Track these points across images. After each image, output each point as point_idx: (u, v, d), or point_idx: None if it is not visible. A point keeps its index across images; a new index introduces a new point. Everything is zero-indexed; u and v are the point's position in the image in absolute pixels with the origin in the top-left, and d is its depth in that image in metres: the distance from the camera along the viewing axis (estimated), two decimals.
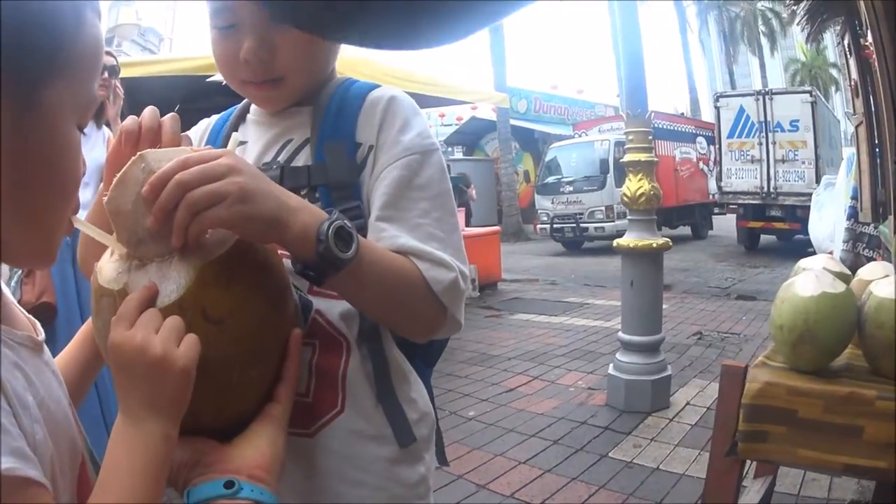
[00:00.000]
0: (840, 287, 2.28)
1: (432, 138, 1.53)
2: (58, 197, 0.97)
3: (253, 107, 1.63)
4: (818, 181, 16.19)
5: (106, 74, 4.51)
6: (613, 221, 21.14)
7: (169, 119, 1.28)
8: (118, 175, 1.10)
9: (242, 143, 1.55)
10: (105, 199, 1.11)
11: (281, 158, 1.51)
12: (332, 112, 1.49)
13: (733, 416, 2.54)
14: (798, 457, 2.29)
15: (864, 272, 2.71)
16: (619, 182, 20.99)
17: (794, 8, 8.05)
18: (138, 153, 1.12)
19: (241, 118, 1.65)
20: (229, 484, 1.06)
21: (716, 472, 2.79)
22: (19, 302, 4.60)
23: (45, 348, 1.09)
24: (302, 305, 1.38)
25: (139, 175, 1.09)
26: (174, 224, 1.07)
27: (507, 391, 6.82)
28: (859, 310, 2.30)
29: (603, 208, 21.67)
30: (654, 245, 6.06)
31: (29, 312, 1.17)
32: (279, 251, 1.30)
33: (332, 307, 1.42)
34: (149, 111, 1.28)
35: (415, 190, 1.43)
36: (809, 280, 2.32)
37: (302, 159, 1.48)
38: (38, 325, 1.15)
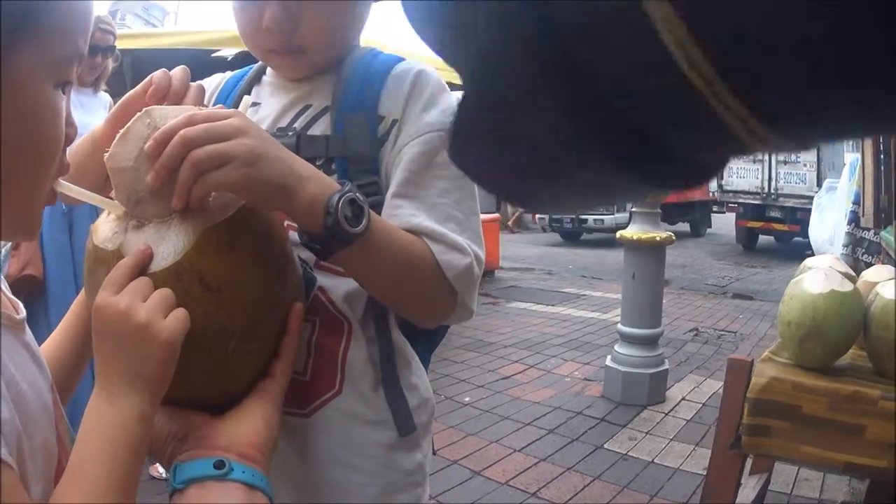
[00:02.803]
0: (848, 286, 2.29)
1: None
2: (35, 163, 0.90)
3: (270, 69, 1.55)
4: (819, 184, 16.23)
5: (99, 57, 4.45)
6: (613, 214, 21.01)
7: (179, 71, 1.25)
8: (121, 130, 1.07)
9: (255, 104, 1.48)
10: (106, 155, 1.07)
11: (298, 125, 1.43)
12: (356, 82, 1.41)
13: (737, 410, 2.56)
14: (800, 453, 2.31)
15: (869, 274, 2.72)
16: None
17: None
18: (144, 108, 1.08)
19: (257, 79, 1.57)
20: (219, 464, 1.01)
21: (718, 466, 2.81)
22: (5, 276, 4.54)
23: (27, 329, 1.02)
24: (306, 281, 1.33)
25: (143, 131, 1.05)
26: (177, 183, 1.03)
27: (503, 378, 6.80)
28: (865, 310, 2.30)
29: None
30: (658, 238, 6.02)
31: (12, 286, 1.13)
32: (287, 223, 1.27)
33: (337, 285, 1.36)
34: (180, 71, 1.25)
35: (436, 168, 1.36)
36: (818, 278, 2.33)
37: (320, 128, 1.41)
38: (20, 304, 1.05)
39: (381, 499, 1.41)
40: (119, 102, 1.31)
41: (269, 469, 1.08)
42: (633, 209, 6.26)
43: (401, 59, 1.46)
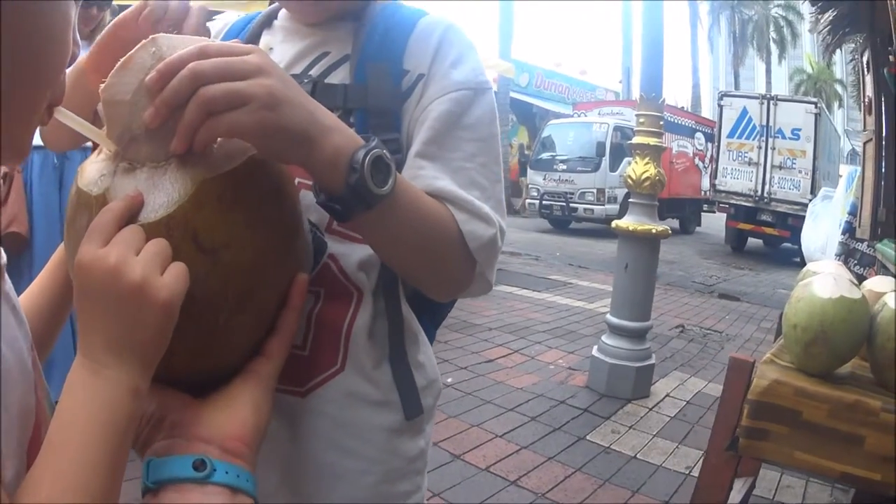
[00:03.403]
0: (857, 293, 2.23)
1: (486, 77, 1.34)
2: (28, 81, 0.78)
3: (283, 12, 1.42)
4: (813, 192, 16.43)
5: (95, 9, 4.34)
6: (604, 205, 21.15)
7: (197, 6, 1.15)
8: (122, 59, 0.94)
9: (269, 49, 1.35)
10: (102, 86, 0.94)
11: (314, 73, 1.30)
12: (379, 32, 1.30)
13: (736, 411, 2.51)
14: (796, 459, 2.27)
15: (872, 284, 2.66)
16: (614, 166, 21.23)
17: (819, 16, 8.05)
18: (151, 36, 0.95)
19: (268, 23, 1.44)
20: (199, 464, 0.88)
21: (711, 467, 2.75)
22: None
23: (6, 278, 0.90)
24: (314, 247, 1.21)
25: (147, 61, 0.92)
26: (180, 123, 0.90)
27: (486, 361, 6.74)
28: (871, 320, 2.25)
29: (594, 190, 21.54)
30: (654, 231, 5.95)
31: None
32: (298, 181, 1.18)
33: (350, 252, 1.25)
34: None
35: (462, 129, 1.26)
36: (828, 282, 2.27)
37: (338, 77, 1.28)
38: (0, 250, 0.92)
39: (380, 487, 1.31)
40: (107, 28, 1.20)
41: (255, 464, 0.97)
42: (632, 199, 6.18)
43: (426, 13, 1.35)
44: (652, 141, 6.03)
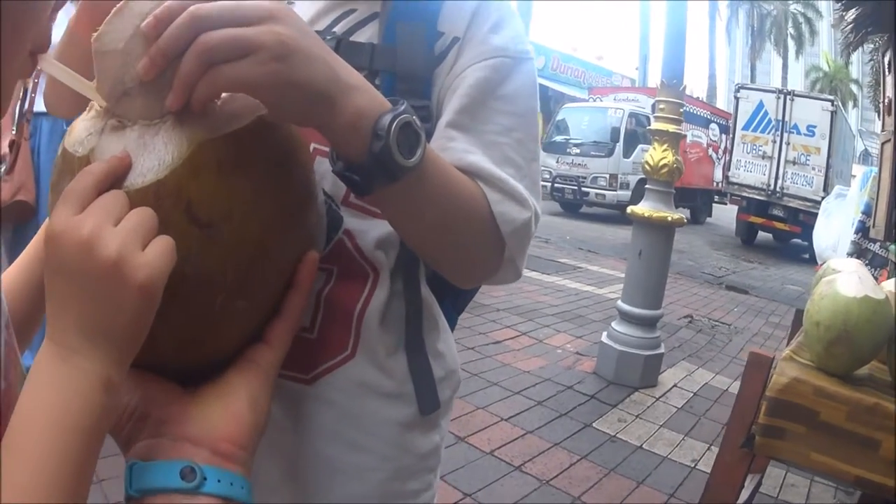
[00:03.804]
0: (881, 294, 2.18)
1: (527, 46, 1.21)
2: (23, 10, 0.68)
3: None
4: (826, 189, 16.38)
5: None
6: (616, 191, 21.09)
7: None
8: (117, 5, 0.82)
9: (289, 2, 1.19)
10: (94, 35, 0.82)
11: (338, 30, 1.17)
12: None
13: (752, 407, 2.47)
14: (812, 461, 2.22)
15: (889, 286, 2.61)
16: (628, 153, 21.18)
17: (843, 13, 8.00)
18: None
19: None
20: (188, 472, 0.77)
21: (724, 464, 2.71)
22: None
23: None
24: (328, 221, 1.10)
25: (145, 7, 0.80)
26: (177, 76, 0.79)
27: (493, 343, 6.67)
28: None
29: (607, 176, 21.44)
30: (669, 219, 5.89)
31: (3, 211, 0.96)
32: (314, 146, 1.08)
33: (368, 229, 1.14)
34: None
35: (499, 100, 1.13)
36: (852, 280, 2.22)
37: (365, 35, 1.15)
38: None
39: (388, 486, 1.22)
40: None
41: (251, 466, 0.86)
42: (648, 186, 6.11)
43: None
44: (671, 128, 5.96)
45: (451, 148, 1.10)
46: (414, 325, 1.21)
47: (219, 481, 0.79)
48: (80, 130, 0.86)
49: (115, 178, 0.79)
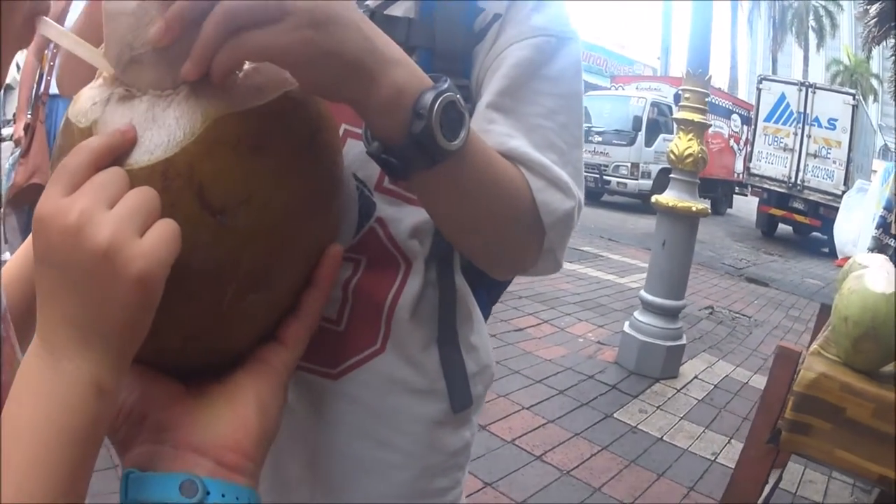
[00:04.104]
0: None
1: (571, 26, 1.12)
2: None
3: None
4: (846, 183, 16.31)
5: None
6: (637, 180, 21.02)
7: None
8: None
9: None
10: None
11: (371, 2, 1.08)
12: None
13: (779, 402, 2.44)
14: (836, 458, 2.22)
15: None
16: (649, 142, 21.14)
17: (867, 7, 7.95)
18: None
19: None
20: (189, 486, 0.70)
21: (749, 459, 2.67)
22: (11, 185, 4.46)
23: None
24: (360, 207, 1.04)
25: None
26: (196, 41, 0.70)
27: (515, 330, 6.62)
28: None
29: (629, 164, 21.35)
30: (694, 209, 5.83)
31: (18, 195, 0.90)
32: (344, 127, 1.01)
33: (402, 217, 1.07)
34: None
35: (542, 80, 1.05)
36: (881, 276, 2.21)
37: (401, 9, 1.07)
38: None
39: (415, 484, 1.15)
40: None
41: (258, 477, 0.78)
42: (673, 175, 6.05)
43: None
44: (696, 117, 5.90)
45: (491, 131, 1.02)
46: (447, 317, 1.15)
47: (223, 496, 0.72)
48: (85, 99, 0.78)
49: (116, 155, 0.71)
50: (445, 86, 0.81)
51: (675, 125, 6.20)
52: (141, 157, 0.71)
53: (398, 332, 1.10)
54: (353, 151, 1.00)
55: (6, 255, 4.66)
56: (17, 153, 4.63)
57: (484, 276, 1.17)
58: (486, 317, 1.29)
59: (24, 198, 4.32)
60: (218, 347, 0.81)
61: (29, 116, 4.70)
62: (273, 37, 0.70)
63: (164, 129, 0.72)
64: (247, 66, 0.78)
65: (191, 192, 0.70)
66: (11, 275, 0.97)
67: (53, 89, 4.43)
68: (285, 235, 0.79)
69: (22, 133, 4.66)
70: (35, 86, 4.67)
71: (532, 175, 1.00)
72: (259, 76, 0.78)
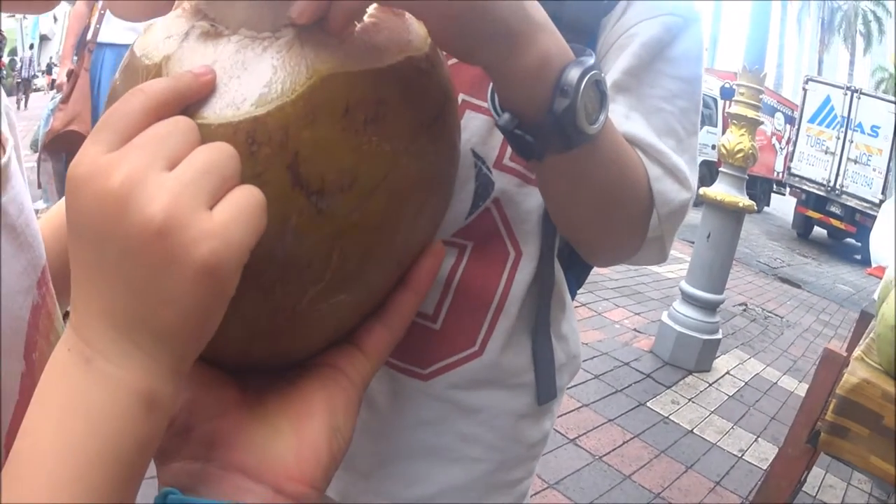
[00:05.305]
0: None
1: (696, 6, 1.04)
2: None
3: None
4: (884, 192, 16.15)
5: None
6: None
7: None
8: None
9: None
10: None
11: None
12: None
13: (820, 404, 2.46)
14: (870, 464, 2.27)
15: None
16: None
17: None
18: None
19: None
20: None
21: (787, 457, 2.69)
22: (48, 130, 4.44)
23: (12, 181, 0.63)
24: (476, 187, 0.95)
25: None
26: None
27: None
28: None
29: None
30: (741, 204, 5.80)
31: (55, 141, 0.84)
32: (464, 98, 0.92)
33: (522, 198, 0.97)
34: None
35: (666, 62, 0.97)
36: None
37: None
38: (5, 137, 0.65)
39: (492, 476, 1.07)
40: None
41: None
42: (722, 169, 6.03)
43: None
44: (750, 113, 5.86)
45: (611, 110, 0.87)
46: (544, 307, 1.04)
47: None
48: (157, 31, 0.63)
49: (186, 104, 0.55)
50: (591, 61, 0.71)
51: (719, 119, 6.18)
52: (221, 110, 0.56)
53: (501, 334, 1.01)
54: (472, 125, 0.93)
55: (39, 203, 4.60)
56: (58, 99, 4.60)
57: (574, 261, 1.11)
58: (573, 298, 1.20)
59: (62, 144, 4.32)
60: (287, 350, 0.67)
61: (74, 62, 4.66)
62: None
63: (255, 79, 0.57)
64: (367, 17, 0.64)
65: (282, 164, 0.55)
66: (53, 226, 0.84)
67: (102, 37, 4.41)
68: (387, 230, 0.64)
69: (64, 79, 4.62)
70: (83, 32, 4.65)
71: (651, 162, 0.93)
72: (379, 34, 0.64)
